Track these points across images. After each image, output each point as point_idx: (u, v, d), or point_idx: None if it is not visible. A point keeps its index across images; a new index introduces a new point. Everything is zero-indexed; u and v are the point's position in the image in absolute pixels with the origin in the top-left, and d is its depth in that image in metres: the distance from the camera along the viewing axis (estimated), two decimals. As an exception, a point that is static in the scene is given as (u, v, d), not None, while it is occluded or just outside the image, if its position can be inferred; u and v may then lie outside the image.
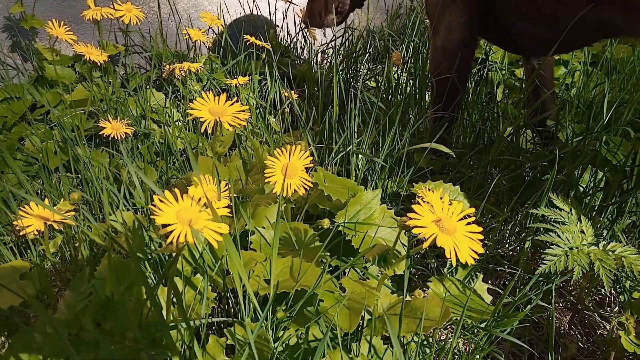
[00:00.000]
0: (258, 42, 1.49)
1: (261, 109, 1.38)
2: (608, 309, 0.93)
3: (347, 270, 0.79)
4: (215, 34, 1.91)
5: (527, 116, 1.29)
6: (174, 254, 0.51)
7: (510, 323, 0.70)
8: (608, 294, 0.93)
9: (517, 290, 0.83)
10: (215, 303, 0.62)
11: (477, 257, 0.50)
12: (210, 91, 0.71)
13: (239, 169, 0.89)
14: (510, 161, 1.11)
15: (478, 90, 1.39)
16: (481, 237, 0.52)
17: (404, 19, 2.39)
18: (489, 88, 1.73)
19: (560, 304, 0.94)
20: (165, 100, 1.49)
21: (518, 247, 0.95)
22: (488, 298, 0.80)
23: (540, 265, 0.62)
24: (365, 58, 1.89)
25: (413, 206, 0.52)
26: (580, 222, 0.69)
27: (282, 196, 0.66)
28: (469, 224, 0.54)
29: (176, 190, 0.48)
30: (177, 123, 1.41)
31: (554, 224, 0.70)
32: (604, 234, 0.90)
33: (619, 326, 0.67)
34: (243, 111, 0.68)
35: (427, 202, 0.55)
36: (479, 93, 1.37)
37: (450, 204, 0.56)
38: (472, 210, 0.57)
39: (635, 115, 1.34)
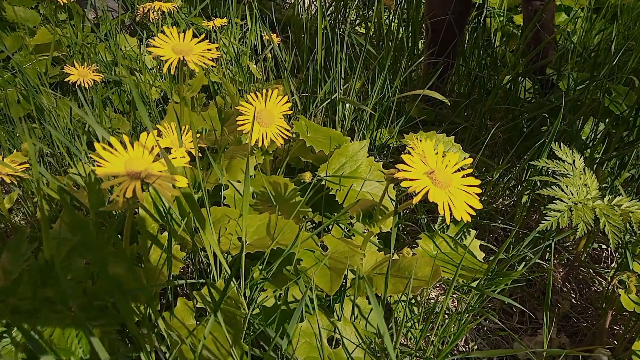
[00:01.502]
0: (238, -18, 1.37)
1: (242, 55, 1.28)
2: (604, 264, 0.89)
3: (330, 227, 0.74)
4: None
5: (526, 63, 1.21)
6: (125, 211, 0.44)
7: (504, 282, 0.65)
8: (605, 248, 0.89)
9: (511, 247, 0.78)
10: (184, 263, 0.56)
11: (473, 213, 0.44)
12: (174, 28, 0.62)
13: (213, 118, 0.81)
14: (507, 111, 1.04)
15: (475, 36, 1.30)
16: (479, 190, 0.46)
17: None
18: (486, 35, 1.63)
19: (555, 260, 0.91)
20: (140, 46, 1.38)
21: (513, 202, 0.90)
22: (480, 255, 0.75)
23: (542, 222, 0.57)
24: (356, 2, 1.77)
25: (402, 156, 0.46)
26: (585, 175, 0.63)
27: (256, 146, 0.59)
28: (465, 176, 0.47)
29: (125, 137, 0.41)
30: (151, 71, 1.31)
31: (556, 176, 0.64)
32: (606, 188, 0.84)
33: (619, 284, 0.63)
34: (211, 50, 0.60)
35: (419, 152, 0.48)
36: (476, 39, 1.27)
37: (444, 155, 0.49)
38: (470, 161, 0.51)
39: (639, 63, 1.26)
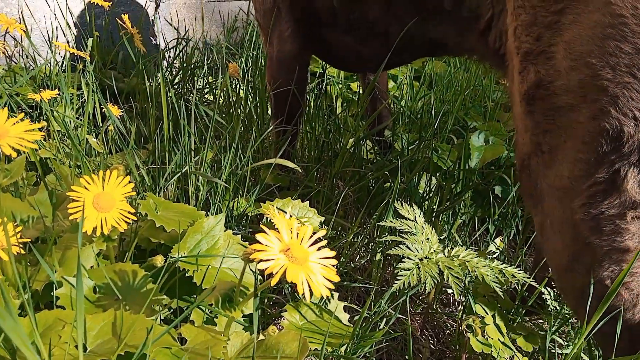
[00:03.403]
0: (72, 50, 1.27)
1: (80, 128, 1.18)
2: (453, 307, 0.98)
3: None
4: (17, 41, 1.60)
5: (366, 127, 1.32)
6: None
7: (369, 343, 0.66)
8: (452, 293, 0.98)
9: (372, 304, 0.81)
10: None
11: (332, 287, 0.44)
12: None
13: (42, 204, 0.71)
14: (354, 172, 1.12)
15: (319, 103, 1.40)
16: (335, 262, 0.47)
17: (242, 32, 2.34)
18: (328, 101, 1.76)
19: (412, 310, 0.96)
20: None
21: (370, 259, 0.95)
22: (345, 317, 0.76)
23: (395, 281, 0.60)
24: (204, 72, 1.78)
25: (257, 236, 0.44)
26: (426, 230, 0.70)
27: (95, 232, 0.53)
28: (320, 248, 0.48)
29: None
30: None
31: (402, 234, 0.69)
32: (444, 235, 0.94)
33: (467, 329, 0.69)
34: (33, 131, 0.53)
35: (274, 228, 0.47)
36: (320, 106, 1.37)
37: (300, 224, 0.49)
38: (324, 231, 0.52)
39: (455, 124, 1.48)
